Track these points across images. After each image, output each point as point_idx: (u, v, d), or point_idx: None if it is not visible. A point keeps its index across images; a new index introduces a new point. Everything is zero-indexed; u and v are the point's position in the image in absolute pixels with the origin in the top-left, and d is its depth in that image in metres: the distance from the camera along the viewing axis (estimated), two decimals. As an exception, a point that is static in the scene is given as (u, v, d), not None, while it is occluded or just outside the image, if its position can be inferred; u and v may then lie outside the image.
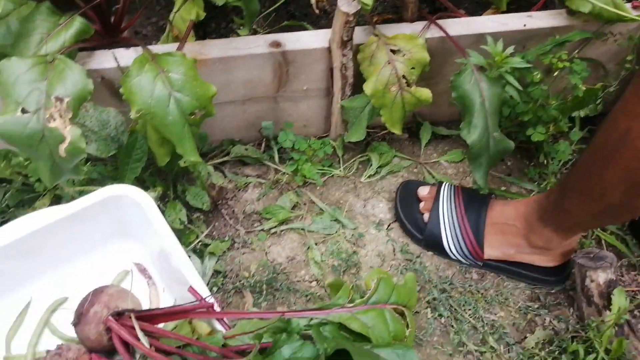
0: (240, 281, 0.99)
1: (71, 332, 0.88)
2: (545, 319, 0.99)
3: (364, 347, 0.74)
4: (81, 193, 0.93)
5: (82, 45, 0.94)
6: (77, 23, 0.92)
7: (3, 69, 0.80)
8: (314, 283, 1.01)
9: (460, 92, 0.96)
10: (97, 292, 0.86)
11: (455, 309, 0.99)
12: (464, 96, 0.96)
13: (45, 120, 0.78)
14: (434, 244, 1.03)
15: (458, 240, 1.01)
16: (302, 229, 1.06)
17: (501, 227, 0.98)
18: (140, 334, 0.79)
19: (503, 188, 1.14)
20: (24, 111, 0.78)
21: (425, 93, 1.01)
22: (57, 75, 0.80)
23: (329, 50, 1.01)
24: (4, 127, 0.77)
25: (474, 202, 1.02)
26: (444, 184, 1.06)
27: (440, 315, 0.98)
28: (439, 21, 1.05)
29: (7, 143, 0.78)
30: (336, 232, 1.06)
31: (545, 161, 1.15)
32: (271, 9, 1.20)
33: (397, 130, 1.05)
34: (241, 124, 1.13)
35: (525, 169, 1.17)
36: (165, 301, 0.95)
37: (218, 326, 0.83)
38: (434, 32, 1.04)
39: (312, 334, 0.73)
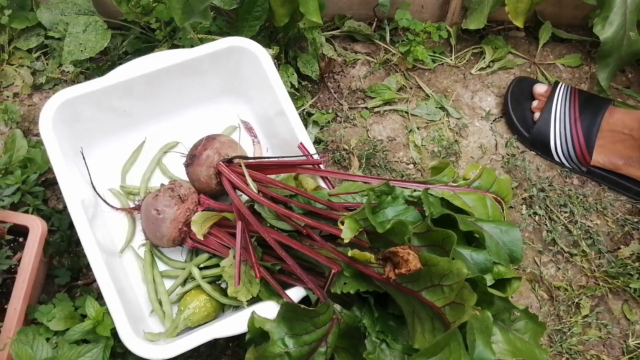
0: (340, 152, 1.01)
1: (180, 174, 0.93)
2: (643, 234, 0.97)
3: (468, 218, 0.75)
4: (201, 40, 0.94)
5: None
6: None
7: None
8: (411, 166, 1.02)
9: (601, -17, 0.90)
10: (210, 138, 0.90)
11: (551, 210, 0.97)
12: (605, -12, 0.90)
13: (183, -44, 0.78)
14: (540, 143, 1.00)
15: (567, 141, 0.98)
16: (406, 112, 1.05)
17: (616, 135, 0.95)
18: (249, 180, 0.82)
19: (619, 100, 1.08)
20: (163, -57, 0.78)
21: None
22: None
23: None
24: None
25: (590, 106, 0.98)
26: (560, 84, 1.02)
27: (535, 213, 0.97)
28: None
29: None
30: (440, 119, 1.05)
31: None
32: None
33: (519, 23, 1.00)
34: (355, 0, 1.10)
35: (646, 83, 1.11)
36: (268, 160, 0.97)
37: (322, 184, 0.85)
38: None
39: (422, 196, 0.74)
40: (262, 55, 0.90)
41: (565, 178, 1.01)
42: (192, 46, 0.95)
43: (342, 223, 0.69)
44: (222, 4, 0.93)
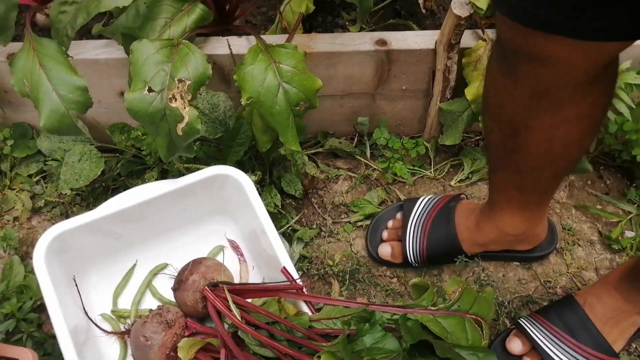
0: (324, 268, 1.04)
1: (169, 296, 0.96)
2: None
3: (445, 344, 0.77)
4: (187, 169, 1.00)
5: (199, 31, 1.00)
6: (198, 9, 0.98)
7: (135, 50, 0.87)
8: (395, 279, 1.04)
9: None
10: (196, 263, 0.93)
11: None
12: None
13: (168, 100, 0.85)
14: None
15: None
16: (388, 225, 1.08)
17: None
18: (232, 306, 0.85)
19: (599, 206, 1.12)
20: (150, 90, 0.85)
21: (526, 102, 1.00)
22: (181, 59, 0.87)
23: (434, 52, 1.02)
24: (132, 103, 0.84)
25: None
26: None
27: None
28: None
29: (132, 117, 0.86)
30: (421, 231, 1.08)
31: (647, 183, 1.12)
32: (379, 6, 1.22)
33: (492, 137, 1.05)
34: (337, 118, 1.17)
35: (625, 190, 1.14)
36: (254, 279, 1.00)
37: (304, 308, 0.87)
38: (541, 42, 1.03)
39: (399, 321, 0.76)
40: (244, 182, 0.95)
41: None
42: (180, 173, 1.00)
43: (319, 358, 0.71)
44: (206, 134, 0.99)
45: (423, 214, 1.03)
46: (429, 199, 1.04)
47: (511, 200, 0.90)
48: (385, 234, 1.05)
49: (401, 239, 1.02)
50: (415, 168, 1.15)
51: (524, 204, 0.90)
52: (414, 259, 1.01)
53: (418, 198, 1.05)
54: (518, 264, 1.04)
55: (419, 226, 1.02)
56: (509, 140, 0.78)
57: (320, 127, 1.19)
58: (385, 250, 1.03)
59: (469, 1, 0.91)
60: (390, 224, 1.06)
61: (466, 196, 1.06)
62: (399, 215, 1.06)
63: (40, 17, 1.18)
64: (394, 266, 1.04)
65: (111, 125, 1.08)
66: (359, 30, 1.17)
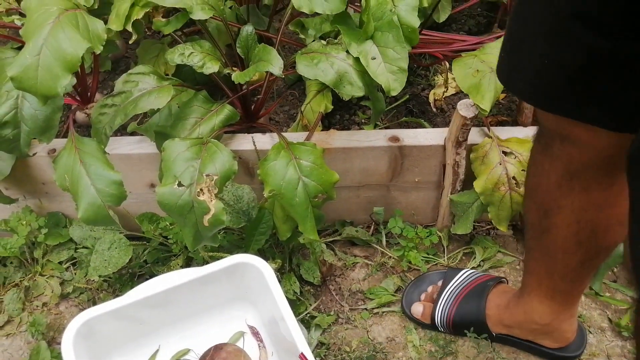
0: (341, 355, 1.06)
1: (190, 382, 0.98)
2: None
3: None
4: (211, 257, 1.05)
5: (227, 130, 1.09)
6: (226, 110, 1.07)
7: (167, 147, 0.95)
8: (412, 367, 1.05)
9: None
10: (217, 348, 0.96)
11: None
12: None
13: (196, 194, 0.91)
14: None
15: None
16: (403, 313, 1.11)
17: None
18: (252, 393, 0.87)
19: (607, 294, 1.14)
20: (179, 184, 0.92)
21: (534, 194, 1.06)
22: (209, 156, 0.94)
23: (443, 148, 1.09)
24: (163, 196, 0.91)
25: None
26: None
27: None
28: (551, 127, 1.11)
29: (162, 209, 0.92)
30: (436, 319, 1.10)
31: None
32: (392, 105, 1.31)
33: (503, 228, 1.10)
34: (353, 207, 1.23)
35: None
36: (273, 365, 1.02)
37: (322, 396, 0.89)
38: (545, 138, 1.10)
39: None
40: (265, 270, 1.00)
41: None
42: (204, 260, 1.05)
43: None
44: (230, 224, 1.05)
45: (461, 284, 1.08)
46: (470, 273, 1.10)
47: (541, 285, 0.93)
48: (422, 296, 1.11)
49: (434, 302, 1.07)
50: (429, 256, 1.19)
51: (553, 290, 0.93)
52: (441, 324, 1.06)
53: (461, 269, 1.11)
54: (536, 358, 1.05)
55: (453, 294, 1.07)
56: (542, 219, 0.84)
57: (338, 216, 1.24)
58: (417, 309, 1.09)
59: (473, 103, 0.99)
60: (430, 288, 1.12)
61: (506, 281, 1.10)
62: (440, 283, 1.11)
63: (79, 115, 1.28)
64: (421, 325, 1.09)
65: (140, 215, 1.15)
66: (374, 127, 1.25)
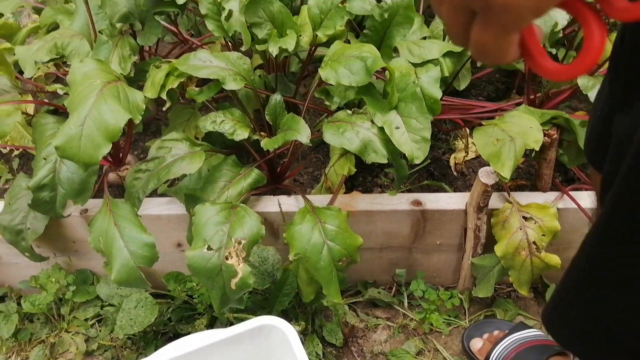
0: (364, 420, 1.05)
1: None
2: None
3: None
4: (236, 318, 1.06)
5: (254, 193, 1.12)
6: (254, 174, 1.10)
7: (197, 212, 0.98)
8: None
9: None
10: (241, 412, 0.97)
11: None
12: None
13: (224, 257, 0.94)
14: None
15: None
16: (426, 377, 1.11)
17: None
18: None
19: None
20: (209, 248, 0.94)
21: (555, 259, 1.07)
22: (238, 220, 0.97)
23: (465, 212, 1.11)
24: (192, 259, 0.94)
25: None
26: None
27: None
28: (572, 192, 1.13)
29: (191, 272, 0.95)
30: (459, 384, 1.10)
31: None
32: (414, 169, 1.34)
33: (524, 292, 1.11)
34: (376, 269, 1.24)
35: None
36: None
37: None
38: (566, 203, 1.12)
39: None
40: (289, 332, 1.01)
41: None
42: (229, 321, 1.07)
43: None
44: (255, 285, 1.07)
45: (527, 338, 1.07)
46: (539, 333, 1.09)
47: None
48: (485, 335, 1.12)
49: (495, 343, 1.08)
50: (451, 318, 1.19)
51: None
52: None
53: (531, 327, 1.11)
54: None
55: (516, 342, 1.07)
56: None
57: (360, 277, 1.26)
58: (476, 344, 1.11)
59: (494, 170, 1.02)
60: (495, 332, 1.12)
61: (572, 355, 1.10)
62: (507, 331, 1.11)
63: (111, 176, 1.33)
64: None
65: (167, 274, 1.18)
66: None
